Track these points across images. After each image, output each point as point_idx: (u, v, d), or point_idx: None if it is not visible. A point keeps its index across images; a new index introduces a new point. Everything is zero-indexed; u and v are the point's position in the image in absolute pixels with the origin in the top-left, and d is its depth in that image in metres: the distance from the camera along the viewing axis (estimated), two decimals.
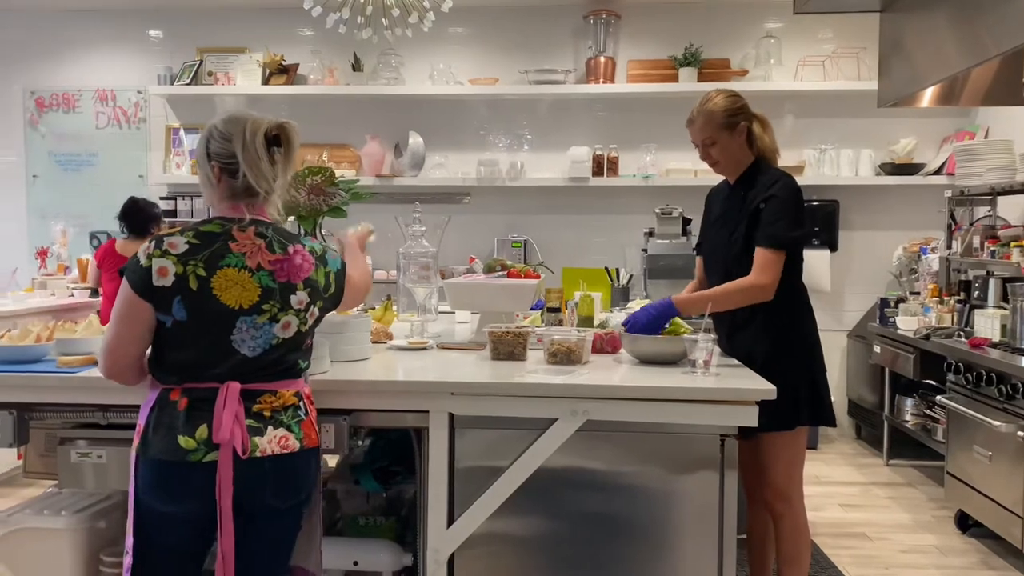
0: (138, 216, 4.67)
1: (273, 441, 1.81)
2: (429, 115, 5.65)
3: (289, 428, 1.84)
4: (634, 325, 2.43)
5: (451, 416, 2.13)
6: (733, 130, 2.55)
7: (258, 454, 1.79)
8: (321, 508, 2.01)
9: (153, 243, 1.80)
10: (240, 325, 1.79)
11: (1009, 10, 2.77)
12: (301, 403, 1.89)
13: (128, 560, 1.83)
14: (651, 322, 2.42)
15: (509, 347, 2.40)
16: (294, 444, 1.84)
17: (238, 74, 5.61)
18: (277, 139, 1.86)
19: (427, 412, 2.13)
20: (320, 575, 2.11)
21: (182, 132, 5.79)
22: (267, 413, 1.83)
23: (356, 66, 5.56)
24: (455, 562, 2.16)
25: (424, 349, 2.59)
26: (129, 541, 1.84)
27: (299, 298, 1.85)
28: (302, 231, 2.44)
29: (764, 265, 2.43)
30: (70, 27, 5.84)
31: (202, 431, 1.77)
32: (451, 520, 2.14)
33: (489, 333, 2.42)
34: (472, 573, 2.17)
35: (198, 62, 5.64)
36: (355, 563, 2.30)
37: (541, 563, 2.17)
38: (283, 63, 5.61)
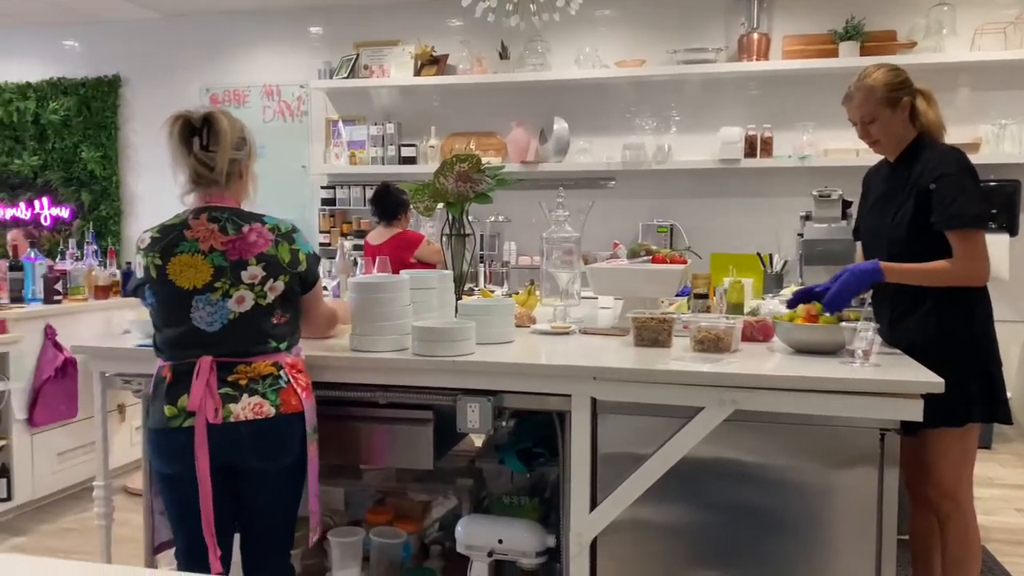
0: (388, 201, 4.50)
1: (247, 408, 1.98)
2: (574, 100, 5.64)
3: (264, 396, 2.00)
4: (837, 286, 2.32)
5: (593, 401, 2.13)
6: (895, 106, 2.38)
7: (232, 419, 1.97)
8: (316, 464, 2.12)
9: (138, 242, 2.05)
10: (196, 304, 1.99)
11: None
12: (281, 372, 2.04)
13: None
14: (852, 287, 2.30)
15: (653, 333, 2.36)
16: (269, 410, 2.00)
17: (392, 66, 5.82)
18: (199, 129, 2.02)
19: (569, 396, 2.13)
20: (316, 513, 2.18)
21: (340, 124, 6.07)
22: (242, 382, 2.00)
23: (503, 54, 5.62)
24: (598, 546, 2.17)
25: (567, 334, 2.59)
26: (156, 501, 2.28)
27: (251, 272, 2.00)
28: (449, 217, 2.49)
29: (965, 250, 2.25)
30: (239, 27, 6.26)
31: (183, 400, 1.98)
32: (594, 504, 2.14)
33: (633, 319, 2.39)
34: (615, 558, 2.17)
35: (355, 56, 5.89)
36: (500, 541, 2.35)
37: (685, 552, 2.13)
38: (433, 54, 5.76)
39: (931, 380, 1.93)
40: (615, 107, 5.64)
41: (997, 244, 4.83)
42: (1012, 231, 4.94)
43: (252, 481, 2.05)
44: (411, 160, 5.84)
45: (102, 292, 4.19)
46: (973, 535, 2.37)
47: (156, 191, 6.29)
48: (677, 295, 2.87)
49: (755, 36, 5.22)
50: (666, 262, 2.76)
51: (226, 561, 2.06)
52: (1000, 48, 4.93)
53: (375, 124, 5.94)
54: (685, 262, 2.81)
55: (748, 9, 5.27)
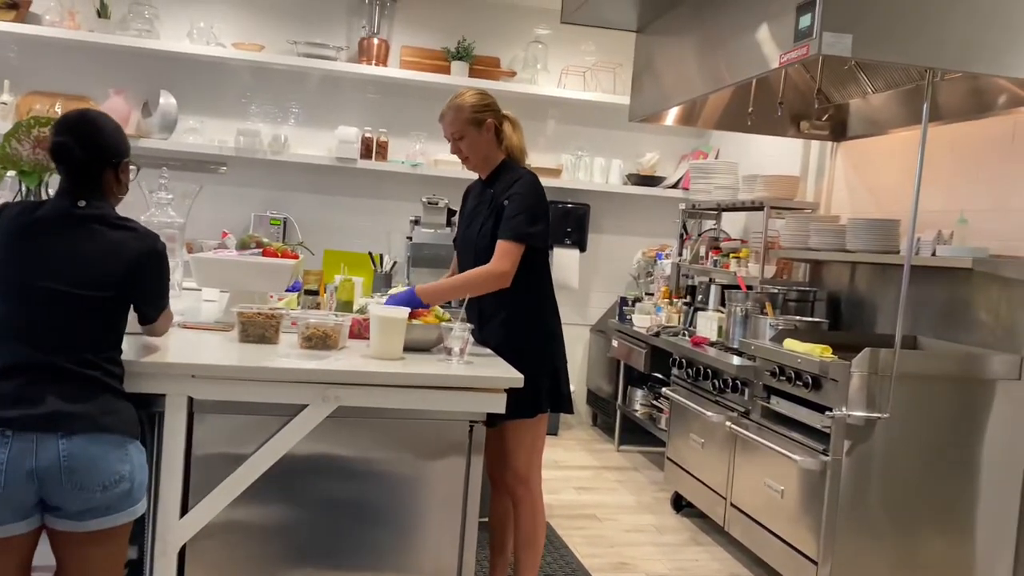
0: None
1: None
2: (185, 75, 5.25)
3: None
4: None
5: (190, 400, 2.01)
6: (480, 126, 2.65)
7: None
8: None
9: None
10: None
11: (743, 45, 3.11)
12: None
13: None
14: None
15: (260, 329, 2.29)
16: None
17: None
18: None
19: (163, 396, 1.98)
20: None
21: None
22: None
23: (102, 12, 5.02)
24: (187, 554, 2.04)
25: None
26: None
27: None
28: (23, 188, 2.16)
29: (502, 254, 2.54)
30: None
31: None
32: (184, 510, 2.02)
33: (239, 314, 2.30)
34: (205, 564, 2.06)
35: None
36: None
37: (281, 552, 2.10)
38: None
39: (513, 376, 2.16)
40: (231, 90, 5.37)
41: (569, 257, 5.60)
42: (582, 247, 5.75)
43: None
44: None
45: None
46: (540, 515, 2.71)
47: None
48: (287, 290, 2.83)
49: (375, 41, 5.36)
50: (277, 256, 2.70)
51: None
52: (580, 89, 5.71)
53: None
54: (297, 257, 2.79)
55: (370, 13, 5.39)
